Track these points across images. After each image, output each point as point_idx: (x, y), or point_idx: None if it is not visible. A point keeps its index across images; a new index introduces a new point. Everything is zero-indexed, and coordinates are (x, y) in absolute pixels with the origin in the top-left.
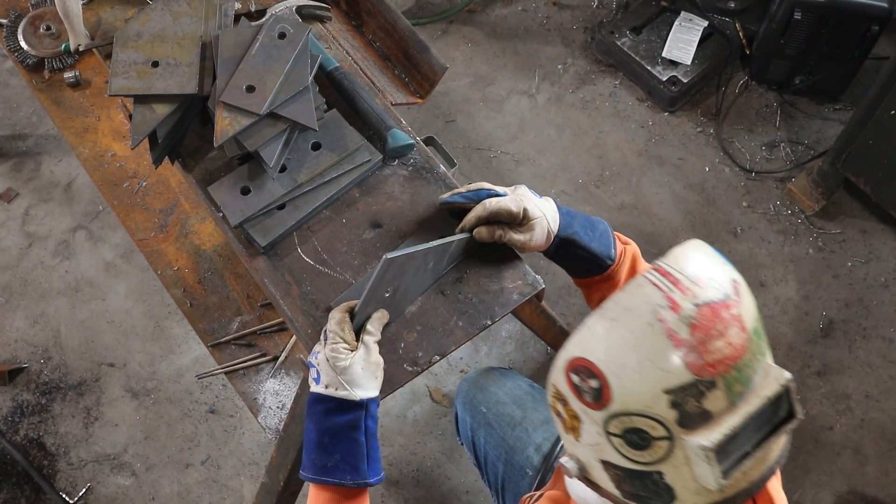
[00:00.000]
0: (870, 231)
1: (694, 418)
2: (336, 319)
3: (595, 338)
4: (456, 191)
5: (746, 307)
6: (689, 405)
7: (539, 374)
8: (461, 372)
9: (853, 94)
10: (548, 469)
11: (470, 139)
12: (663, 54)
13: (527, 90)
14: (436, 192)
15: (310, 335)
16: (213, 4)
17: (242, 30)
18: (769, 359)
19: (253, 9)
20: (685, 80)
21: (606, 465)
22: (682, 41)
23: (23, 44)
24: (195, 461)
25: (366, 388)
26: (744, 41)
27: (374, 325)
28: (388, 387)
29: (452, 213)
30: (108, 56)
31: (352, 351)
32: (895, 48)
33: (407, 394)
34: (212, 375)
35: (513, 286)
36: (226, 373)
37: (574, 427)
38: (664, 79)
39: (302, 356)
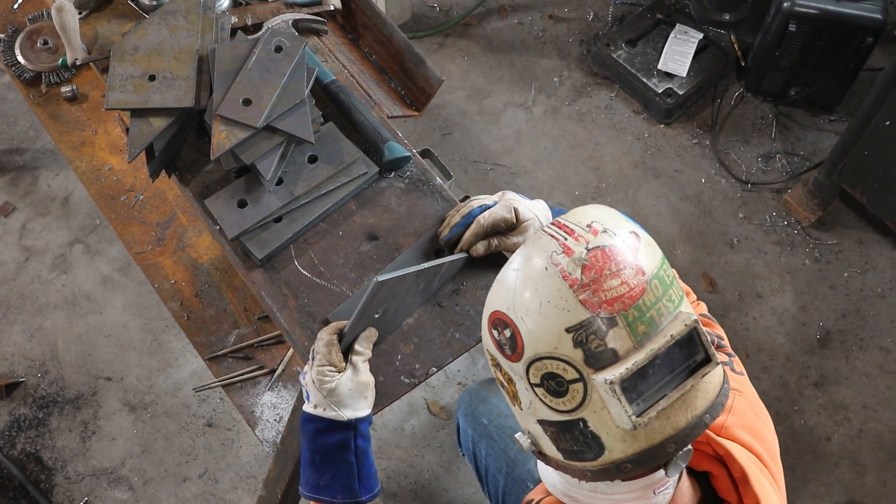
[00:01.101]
0: (866, 242)
1: (600, 357)
2: (324, 341)
3: (502, 289)
4: (451, 222)
5: (646, 255)
6: (593, 343)
7: None
8: (458, 384)
9: (848, 105)
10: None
11: (466, 152)
12: (659, 66)
13: (523, 103)
14: (432, 204)
15: (307, 347)
16: (209, 18)
17: (239, 43)
18: (684, 308)
19: (249, 23)
20: (681, 93)
21: (543, 425)
22: (678, 53)
23: (20, 58)
24: (193, 475)
25: (354, 408)
26: (739, 53)
27: (363, 345)
28: (385, 399)
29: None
30: (105, 70)
31: (338, 372)
32: (889, 59)
33: (405, 406)
34: (209, 388)
35: None
36: (223, 386)
37: (514, 394)
38: (660, 91)
39: (299, 368)
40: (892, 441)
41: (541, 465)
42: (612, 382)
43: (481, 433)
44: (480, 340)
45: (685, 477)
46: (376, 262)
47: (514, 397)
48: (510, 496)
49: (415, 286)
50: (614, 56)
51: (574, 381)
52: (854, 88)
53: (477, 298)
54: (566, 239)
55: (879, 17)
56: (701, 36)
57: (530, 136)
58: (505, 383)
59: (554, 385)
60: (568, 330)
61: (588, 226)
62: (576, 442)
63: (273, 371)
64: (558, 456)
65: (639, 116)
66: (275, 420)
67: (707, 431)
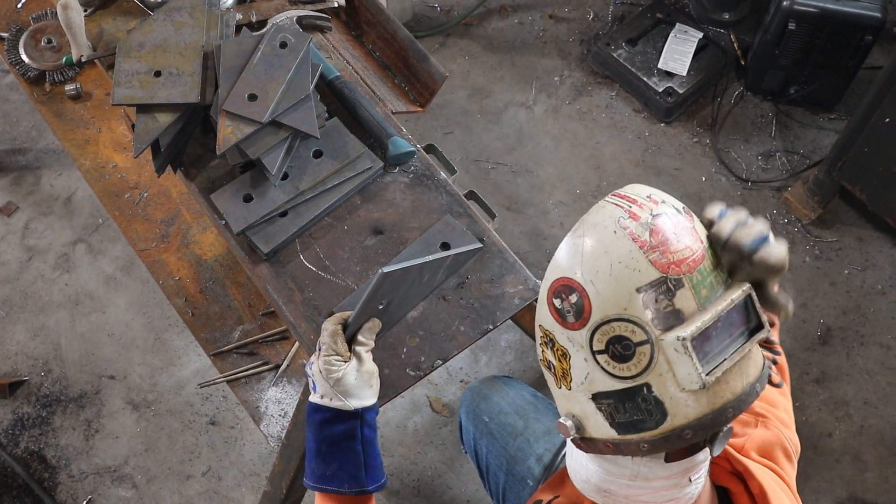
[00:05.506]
0: (866, 239)
1: (668, 318)
2: (329, 331)
3: (567, 255)
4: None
5: (699, 226)
6: (662, 304)
7: (539, 384)
8: (461, 382)
9: (847, 103)
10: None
11: (468, 151)
12: (659, 66)
13: (524, 102)
14: (436, 199)
15: (312, 341)
16: (214, 15)
17: (244, 39)
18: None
19: (254, 19)
20: (681, 91)
21: (598, 400)
22: (678, 52)
23: (24, 57)
24: (196, 473)
25: (360, 397)
26: (738, 52)
27: (366, 335)
28: (391, 391)
29: None
30: (110, 67)
31: (344, 362)
32: (888, 58)
33: (407, 404)
34: (214, 384)
35: (514, 291)
36: (228, 381)
37: (565, 372)
38: (660, 90)
39: (304, 361)
40: (893, 437)
41: (572, 461)
42: (684, 339)
43: (482, 430)
44: (485, 333)
45: (708, 483)
46: (381, 256)
47: (564, 376)
48: (510, 493)
49: (419, 278)
50: (615, 55)
51: (641, 343)
52: (853, 87)
53: (482, 292)
54: (630, 206)
55: (878, 15)
56: (701, 35)
57: (531, 135)
58: (555, 362)
59: (620, 349)
60: (638, 290)
61: (648, 196)
62: (637, 411)
63: (277, 367)
64: (611, 433)
65: (639, 115)
66: (279, 415)
67: (727, 447)
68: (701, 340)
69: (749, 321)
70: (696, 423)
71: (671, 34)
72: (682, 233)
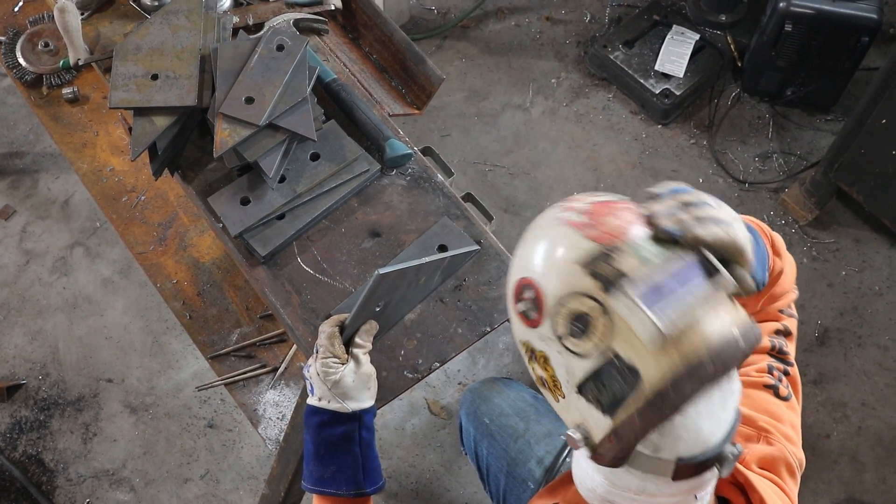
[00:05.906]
0: (863, 240)
1: (613, 280)
2: (326, 334)
3: (517, 259)
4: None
5: (643, 208)
6: (605, 269)
7: (536, 386)
8: (459, 384)
9: (844, 104)
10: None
11: (465, 153)
12: (656, 67)
13: (521, 104)
14: (434, 201)
15: (310, 344)
16: (211, 18)
17: (241, 42)
18: None
19: (251, 22)
20: (678, 93)
21: (584, 392)
22: (675, 54)
23: (21, 60)
24: (194, 476)
25: (358, 399)
26: (735, 54)
27: (364, 337)
28: (389, 394)
29: None
30: (107, 70)
31: (342, 364)
32: (885, 59)
33: (405, 406)
34: (212, 387)
35: None
36: (226, 384)
37: (554, 379)
38: (657, 92)
39: (302, 364)
40: (890, 438)
41: (578, 468)
42: (630, 294)
43: (483, 432)
44: (482, 335)
45: (712, 499)
46: (378, 259)
47: (555, 384)
48: (511, 495)
49: (416, 280)
50: (611, 57)
51: (594, 311)
52: (850, 88)
53: (479, 294)
54: (569, 203)
55: (875, 16)
56: (697, 37)
57: (528, 137)
58: (543, 374)
59: (580, 326)
60: (581, 264)
61: (589, 196)
62: (614, 382)
63: (275, 369)
64: (606, 422)
65: (636, 117)
66: (277, 418)
67: None
68: (652, 293)
69: (710, 275)
70: (674, 380)
71: (668, 36)
72: (620, 212)
